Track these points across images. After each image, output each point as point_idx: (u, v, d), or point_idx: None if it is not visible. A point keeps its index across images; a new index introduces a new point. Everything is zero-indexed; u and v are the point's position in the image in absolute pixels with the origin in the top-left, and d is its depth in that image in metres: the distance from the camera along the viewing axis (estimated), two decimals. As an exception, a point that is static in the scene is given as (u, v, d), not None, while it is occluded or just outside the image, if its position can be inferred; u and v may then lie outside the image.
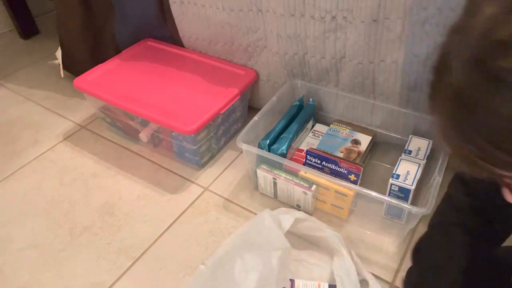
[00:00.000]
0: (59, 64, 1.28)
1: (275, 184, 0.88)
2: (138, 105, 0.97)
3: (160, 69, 1.11)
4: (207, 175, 1.01)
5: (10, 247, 0.86)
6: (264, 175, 0.89)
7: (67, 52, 1.26)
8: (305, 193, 0.84)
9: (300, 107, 1.02)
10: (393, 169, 0.84)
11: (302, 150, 0.96)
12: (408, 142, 0.91)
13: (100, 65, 1.11)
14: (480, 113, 0.30)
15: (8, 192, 0.99)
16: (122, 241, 0.86)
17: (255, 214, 0.89)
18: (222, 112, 0.97)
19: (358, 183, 0.87)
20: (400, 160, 0.86)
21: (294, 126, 0.95)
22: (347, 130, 0.98)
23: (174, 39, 1.17)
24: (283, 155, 0.90)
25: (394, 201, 0.74)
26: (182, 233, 0.87)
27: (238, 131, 1.12)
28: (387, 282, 0.76)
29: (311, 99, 1.03)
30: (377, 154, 1.00)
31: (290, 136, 0.93)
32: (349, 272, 0.73)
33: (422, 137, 0.91)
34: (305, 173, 0.84)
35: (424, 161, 0.86)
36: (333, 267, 0.76)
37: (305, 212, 0.86)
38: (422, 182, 0.85)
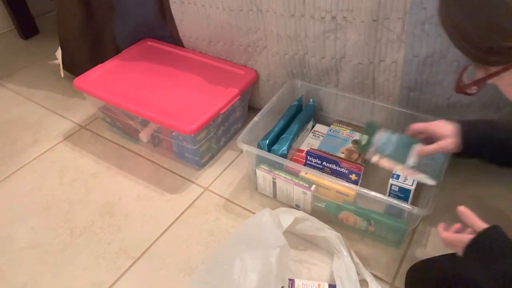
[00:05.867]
0: (59, 64, 1.28)
1: (274, 184, 0.88)
2: (138, 105, 0.97)
3: (160, 69, 1.11)
4: (207, 175, 1.01)
5: (10, 247, 0.86)
6: (264, 175, 0.88)
7: (67, 52, 1.26)
8: (305, 193, 0.84)
9: (298, 107, 1.02)
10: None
11: (302, 151, 0.96)
12: (408, 142, 0.90)
13: (100, 65, 1.11)
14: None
15: (8, 192, 0.99)
16: (122, 241, 0.86)
17: (255, 214, 0.89)
18: (222, 112, 0.97)
19: (359, 183, 0.87)
20: (400, 160, 0.86)
21: (294, 127, 0.95)
22: (348, 131, 0.98)
23: (174, 39, 1.17)
24: (284, 156, 0.90)
25: (394, 201, 0.74)
26: (182, 233, 0.87)
27: (238, 131, 1.12)
28: (387, 282, 0.76)
29: (311, 99, 1.03)
30: (377, 154, 1.00)
31: (291, 136, 0.93)
32: (349, 272, 0.73)
33: (422, 137, 0.91)
34: (306, 173, 0.84)
35: (424, 161, 0.86)
36: (333, 267, 0.76)
37: (304, 212, 0.86)
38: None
